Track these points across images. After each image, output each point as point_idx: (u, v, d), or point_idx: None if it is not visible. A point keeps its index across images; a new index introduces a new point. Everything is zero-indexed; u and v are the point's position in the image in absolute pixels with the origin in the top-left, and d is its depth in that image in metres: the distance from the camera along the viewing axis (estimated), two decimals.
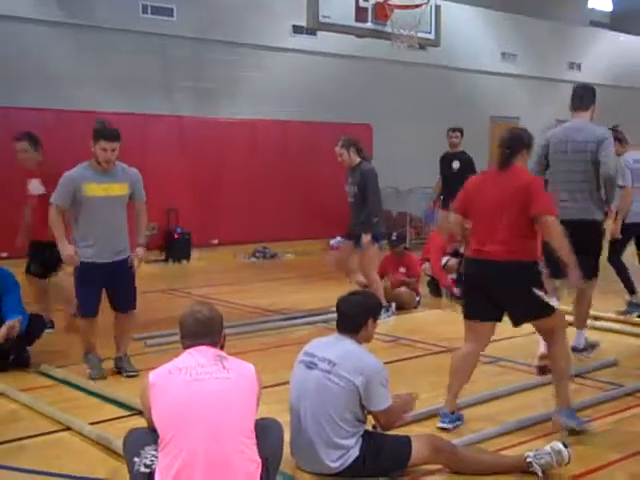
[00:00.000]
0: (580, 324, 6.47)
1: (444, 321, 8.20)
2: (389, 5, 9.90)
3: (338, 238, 14.34)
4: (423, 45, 11.13)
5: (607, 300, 8.14)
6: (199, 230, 12.67)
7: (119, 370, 5.96)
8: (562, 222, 4.71)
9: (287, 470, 3.98)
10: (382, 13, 9.96)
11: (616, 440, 4.62)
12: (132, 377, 5.80)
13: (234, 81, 13.44)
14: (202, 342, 3.61)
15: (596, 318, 7.46)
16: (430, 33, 10.76)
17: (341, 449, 3.88)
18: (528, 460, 4.00)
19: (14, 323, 5.80)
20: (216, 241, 13.10)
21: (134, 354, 6.46)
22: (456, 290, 9.00)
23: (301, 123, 13.98)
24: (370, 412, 4.00)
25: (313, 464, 3.96)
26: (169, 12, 12.65)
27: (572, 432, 4.60)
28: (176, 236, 12.49)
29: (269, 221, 13.50)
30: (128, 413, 4.96)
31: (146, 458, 3.47)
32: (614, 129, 8.08)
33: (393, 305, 8.35)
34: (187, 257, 12.59)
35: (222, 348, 3.70)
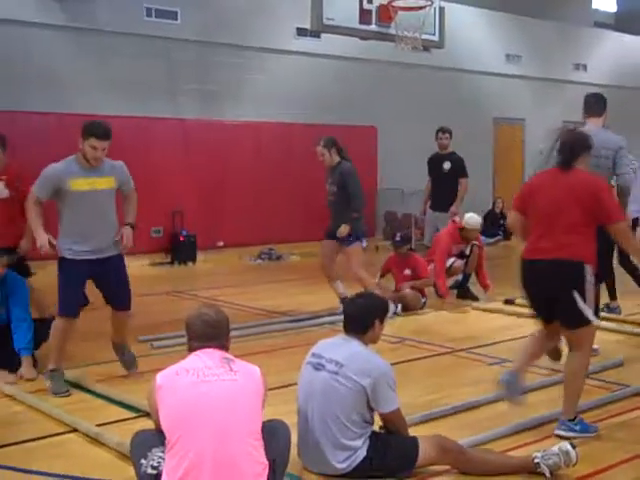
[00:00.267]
0: None
1: (450, 322, 8.21)
2: (393, 7, 9.91)
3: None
4: (427, 47, 11.13)
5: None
6: (204, 232, 12.68)
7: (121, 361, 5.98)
8: None
9: (294, 471, 3.97)
10: (386, 15, 9.97)
11: (623, 440, 4.61)
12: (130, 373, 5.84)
13: (238, 84, 13.45)
14: (210, 344, 3.61)
15: (603, 319, 7.45)
16: (434, 35, 10.77)
17: (348, 450, 3.88)
18: (536, 461, 4.00)
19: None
20: (221, 243, 13.11)
21: (140, 356, 6.47)
22: (448, 301, 8.97)
23: (305, 125, 13.99)
24: (378, 414, 4.00)
25: (320, 465, 3.95)
26: (173, 15, 12.67)
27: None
28: (181, 239, 12.51)
29: (274, 223, 13.51)
30: (135, 415, 4.96)
31: (153, 460, 3.48)
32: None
33: (399, 306, 8.34)
34: (193, 259, 12.61)
35: (227, 350, 3.71)
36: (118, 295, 5.75)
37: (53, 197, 5.46)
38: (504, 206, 16.41)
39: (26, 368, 5.82)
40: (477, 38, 16.67)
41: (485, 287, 9.17)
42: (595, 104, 6.42)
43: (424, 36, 10.27)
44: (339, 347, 4.09)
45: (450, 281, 9.15)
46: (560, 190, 4.67)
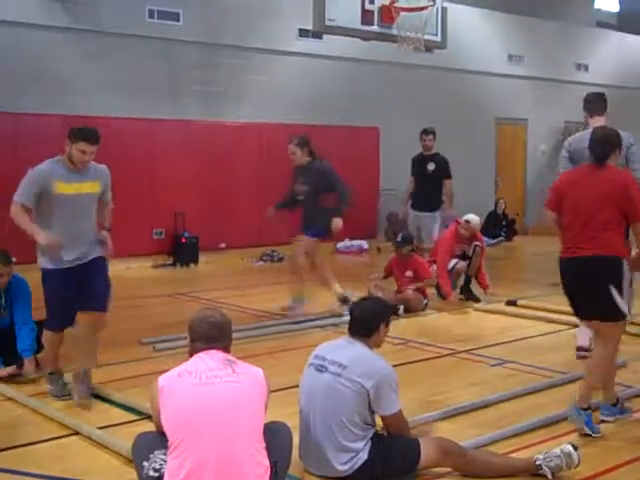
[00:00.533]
0: None
1: (452, 323, 8.21)
2: (395, 8, 9.90)
3: (346, 242, 14.39)
4: (429, 47, 11.11)
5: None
6: (207, 234, 12.68)
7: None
8: None
9: (296, 473, 3.97)
10: (388, 16, 9.96)
11: (626, 442, 4.60)
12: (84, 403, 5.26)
13: (240, 85, 13.45)
14: (213, 346, 3.62)
15: None
16: (436, 35, 10.75)
17: (350, 452, 3.88)
18: (538, 463, 4.00)
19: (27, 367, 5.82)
20: (224, 245, 13.11)
21: (143, 358, 6.49)
22: (455, 295, 8.99)
23: (308, 126, 13.92)
24: (380, 417, 3.99)
25: (322, 467, 3.95)
26: (175, 17, 12.68)
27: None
28: (184, 240, 12.50)
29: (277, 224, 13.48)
30: (137, 417, 4.96)
31: (155, 462, 3.48)
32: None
33: (401, 308, 8.34)
34: (195, 261, 12.60)
35: (229, 353, 3.71)
36: (96, 294, 5.36)
37: (37, 202, 5.20)
38: (506, 207, 16.42)
39: (27, 365, 5.82)
40: (479, 38, 16.66)
41: (484, 288, 9.17)
42: (597, 103, 6.49)
43: (426, 37, 10.25)
44: (342, 349, 4.09)
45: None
46: (597, 187, 4.76)
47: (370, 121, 14.63)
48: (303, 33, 13.53)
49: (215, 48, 13.07)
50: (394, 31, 10.06)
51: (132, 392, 5.41)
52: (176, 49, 12.66)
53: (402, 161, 14.74)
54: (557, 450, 4.02)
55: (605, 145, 4.88)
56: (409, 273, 8.67)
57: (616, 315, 4.73)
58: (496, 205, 16.38)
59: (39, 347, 6.06)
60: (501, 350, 6.83)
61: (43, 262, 5.29)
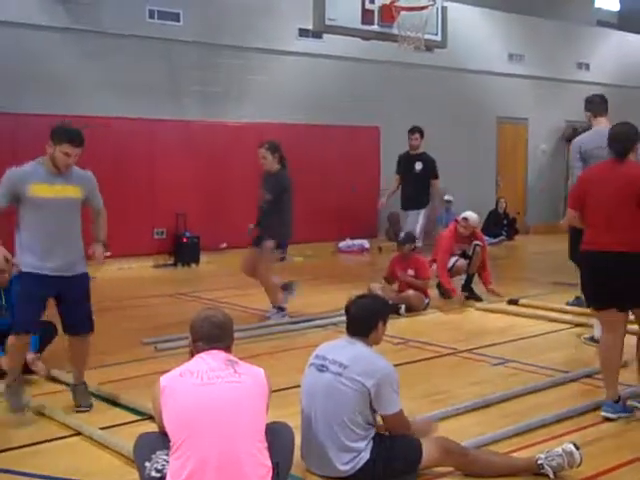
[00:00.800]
0: None
1: (453, 323, 8.21)
2: (395, 7, 9.90)
3: (348, 241, 14.40)
4: (430, 47, 11.11)
5: None
6: (208, 234, 12.68)
7: (74, 402, 5.29)
8: None
9: (298, 474, 3.97)
10: (388, 15, 9.96)
11: (628, 441, 4.61)
12: (83, 412, 5.17)
13: (241, 85, 13.45)
14: (216, 346, 3.62)
15: None
16: (437, 35, 10.75)
17: (352, 452, 3.88)
18: (539, 462, 3.99)
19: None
20: (225, 245, 13.10)
21: (144, 358, 6.49)
22: (459, 292, 9.00)
23: (308, 126, 13.98)
24: (380, 416, 3.99)
25: (324, 467, 3.95)
26: (175, 17, 12.67)
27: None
28: (185, 240, 12.51)
29: None
30: (139, 418, 4.96)
31: (157, 463, 3.48)
32: (575, 130, 8.34)
33: (403, 307, 8.34)
34: (196, 261, 12.60)
35: (230, 353, 3.71)
36: (80, 317, 5.19)
37: (13, 203, 4.99)
38: (507, 206, 16.41)
39: (30, 356, 5.78)
40: (480, 38, 16.65)
41: (486, 283, 9.14)
42: (601, 104, 6.71)
43: (427, 36, 10.25)
44: (343, 349, 4.08)
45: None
46: (618, 182, 4.85)
47: (371, 121, 14.62)
48: (303, 33, 13.53)
49: (215, 48, 13.07)
50: (394, 30, 10.06)
51: (134, 392, 5.40)
52: (176, 49, 12.66)
53: None
54: (559, 449, 4.02)
55: (626, 141, 4.97)
56: (411, 272, 8.67)
57: None
58: (497, 204, 16.39)
59: (42, 347, 6.08)
60: (503, 349, 6.83)
61: (22, 265, 5.03)
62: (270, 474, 3.40)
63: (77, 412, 5.15)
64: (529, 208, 18.04)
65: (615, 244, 4.82)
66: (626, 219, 4.81)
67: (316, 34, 12.20)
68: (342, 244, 14.39)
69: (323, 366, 4.03)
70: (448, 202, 15.38)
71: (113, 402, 5.34)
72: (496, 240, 15.05)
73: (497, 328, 7.76)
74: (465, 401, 5.21)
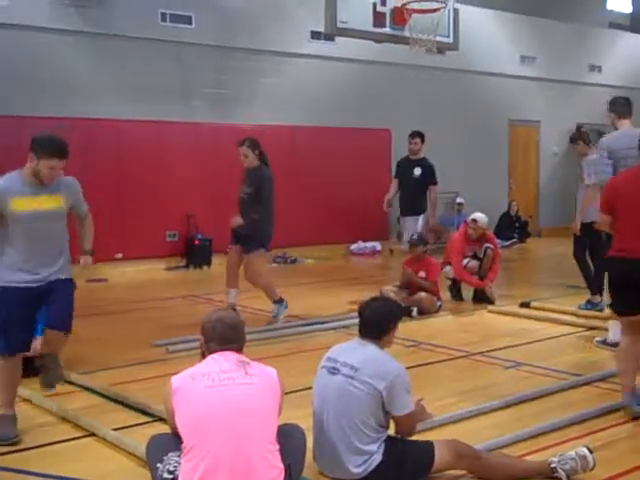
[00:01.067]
0: None
1: (465, 325, 8.19)
2: (407, 10, 9.89)
3: (359, 243, 14.40)
4: (441, 49, 11.10)
5: None
6: (219, 236, 12.67)
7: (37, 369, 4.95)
8: None
9: (310, 476, 3.97)
10: (400, 18, 9.95)
11: None
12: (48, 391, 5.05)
13: (252, 87, 13.47)
14: (228, 347, 3.61)
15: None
16: (448, 37, 10.73)
17: (364, 455, 3.87)
18: (552, 465, 3.97)
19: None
20: None
21: (156, 360, 6.50)
22: (489, 283, 8.99)
23: (320, 128, 14.00)
24: (392, 417, 3.98)
25: (336, 470, 3.95)
26: (187, 20, 12.71)
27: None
28: (196, 242, 12.54)
29: (289, 227, 13.47)
30: (151, 419, 4.97)
31: (169, 464, 3.48)
32: (579, 129, 8.44)
33: (415, 309, 8.33)
34: (208, 263, 12.62)
35: (242, 354, 3.71)
36: (58, 311, 4.82)
37: None
38: (519, 209, 16.38)
39: (36, 344, 5.67)
40: (491, 40, 16.63)
41: (487, 280, 9.08)
42: (625, 105, 6.76)
43: (438, 38, 10.24)
44: (354, 351, 4.08)
45: None
46: None
47: (382, 123, 14.62)
48: (315, 35, 13.54)
49: (227, 51, 13.10)
50: (406, 33, 10.05)
51: (146, 394, 5.41)
52: (188, 52, 12.70)
53: None
54: (572, 453, 4.00)
55: None
56: (422, 274, 8.66)
57: None
58: (509, 207, 16.36)
59: None
60: (515, 352, 6.81)
61: (3, 279, 4.73)
62: (282, 476, 3.40)
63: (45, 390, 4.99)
64: (541, 211, 17.99)
65: None
66: None
67: (328, 37, 12.22)
68: (354, 246, 14.39)
69: (334, 369, 4.02)
70: (460, 205, 15.36)
71: (125, 403, 5.35)
72: (508, 243, 15.03)
73: (509, 331, 7.73)
74: (477, 404, 5.19)
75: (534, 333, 7.61)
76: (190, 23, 12.74)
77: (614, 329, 6.42)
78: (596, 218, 7.99)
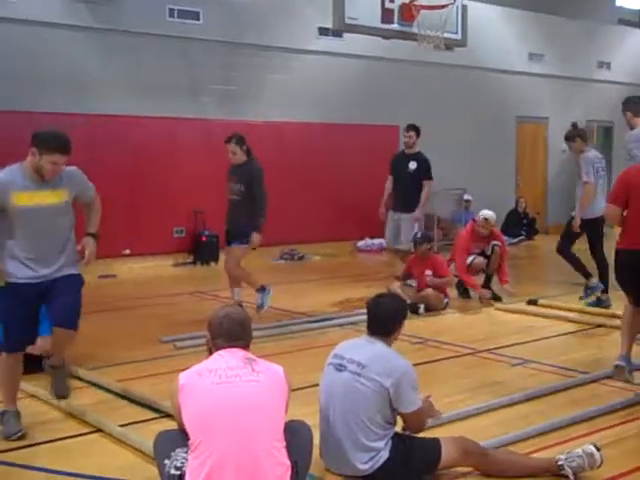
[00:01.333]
0: None
1: (472, 322, 8.18)
2: (415, 6, 9.89)
3: (367, 240, 14.38)
4: (450, 46, 11.10)
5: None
6: None
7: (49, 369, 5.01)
8: None
9: (316, 472, 3.97)
10: (408, 14, 9.95)
11: None
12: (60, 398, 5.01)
13: (260, 83, 13.46)
14: (236, 344, 3.61)
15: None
16: (457, 33, 10.73)
17: (371, 451, 3.87)
18: (559, 463, 3.97)
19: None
20: None
21: (164, 356, 6.52)
22: (484, 291, 8.98)
23: (328, 125, 13.99)
24: (400, 414, 3.98)
25: (342, 466, 3.95)
26: (195, 16, 12.71)
27: None
28: (203, 239, 12.54)
29: (296, 223, 13.51)
30: (158, 415, 4.98)
31: (176, 460, 3.48)
32: (575, 126, 8.45)
33: (422, 306, 8.33)
34: (215, 259, 12.62)
35: (248, 350, 3.71)
36: (64, 308, 4.73)
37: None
38: (527, 206, 16.34)
39: (40, 341, 5.71)
40: (500, 37, 16.58)
41: (502, 282, 9.12)
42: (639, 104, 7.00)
43: (446, 35, 10.24)
44: (361, 348, 4.08)
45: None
46: None
47: (390, 119, 14.59)
48: (323, 32, 13.52)
49: (235, 47, 13.09)
50: (414, 29, 10.05)
51: (153, 390, 5.42)
52: (196, 48, 12.69)
53: None
54: (579, 450, 4.00)
55: None
56: (428, 272, 8.64)
57: None
58: (517, 204, 16.32)
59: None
60: (522, 350, 6.80)
61: (6, 275, 4.66)
62: (289, 473, 3.40)
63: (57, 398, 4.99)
64: (549, 208, 17.94)
65: None
66: None
67: (336, 33, 12.23)
68: (361, 243, 14.38)
69: (341, 365, 4.02)
70: (467, 201, 15.34)
71: (132, 399, 5.36)
72: (516, 240, 15.00)
73: (516, 328, 7.72)
74: (484, 401, 5.19)
75: (541, 330, 7.60)
76: (198, 19, 12.73)
77: None
78: (596, 214, 8.06)
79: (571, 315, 8.10)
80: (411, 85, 14.97)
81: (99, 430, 4.76)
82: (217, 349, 3.64)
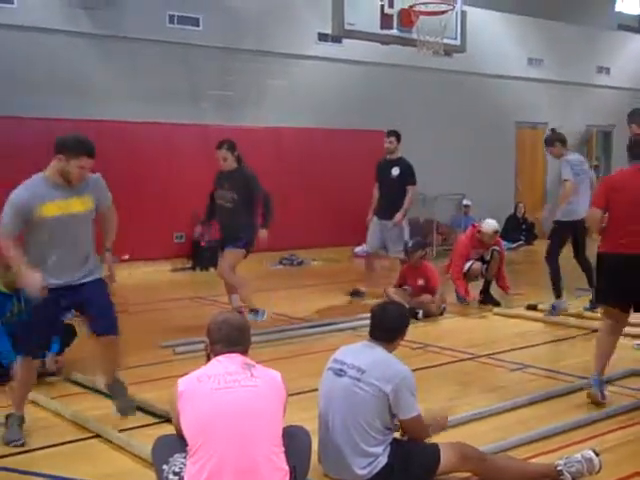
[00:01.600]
0: None
1: (471, 328, 8.18)
2: (415, 12, 9.90)
3: (364, 246, 14.37)
4: (449, 51, 11.09)
5: None
6: None
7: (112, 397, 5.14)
8: None
9: (315, 478, 3.97)
10: (407, 20, 9.95)
11: None
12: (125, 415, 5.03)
13: (260, 89, 13.48)
14: (234, 349, 3.62)
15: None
16: (456, 39, 10.73)
17: (369, 457, 3.87)
18: (558, 468, 3.97)
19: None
20: None
21: (163, 362, 6.52)
22: (471, 295, 8.97)
23: (327, 130, 14.00)
24: (399, 421, 3.98)
25: (341, 471, 3.95)
26: (195, 22, 12.73)
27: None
28: (203, 244, 12.54)
29: (296, 228, 13.51)
30: (157, 420, 4.98)
31: (175, 465, 3.48)
32: (554, 131, 8.51)
33: (420, 312, 8.32)
34: (214, 265, 12.56)
35: (247, 356, 3.72)
36: (101, 319, 4.87)
37: (23, 228, 4.61)
38: (526, 210, 16.35)
39: (49, 362, 5.84)
40: (499, 42, 16.60)
41: (505, 289, 9.15)
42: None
43: (446, 40, 10.23)
44: (361, 353, 4.08)
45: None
46: None
47: (389, 125, 14.51)
48: (322, 37, 13.55)
49: (234, 53, 13.12)
50: (413, 35, 10.05)
51: (152, 395, 5.42)
52: (196, 54, 12.72)
53: (421, 165, 14.75)
54: (578, 455, 4.00)
55: None
56: (421, 281, 8.58)
57: None
58: (516, 209, 16.33)
59: (62, 349, 6.12)
60: (521, 355, 6.80)
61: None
62: (287, 478, 3.40)
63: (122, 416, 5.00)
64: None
65: (637, 245, 5.06)
66: None
67: (335, 39, 12.24)
68: (358, 249, 14.33)
69: (341, 370, 4.02)
70: (466, 206, 15.36)
71: None
72: (515, 245, 15.00)
73: (515, 333, 7.73)
74: (483, 406, 5.19)
75: (540, 336, 7.61)
76: (198, 25, 12.76)
77: None
78: (575, 217, 8.07)
79: (570, 320, 8.10)
80: (410, 91, 14.99)
81: (98, 436, 4.76)
82: (216, 354, 3.64)
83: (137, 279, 11.44)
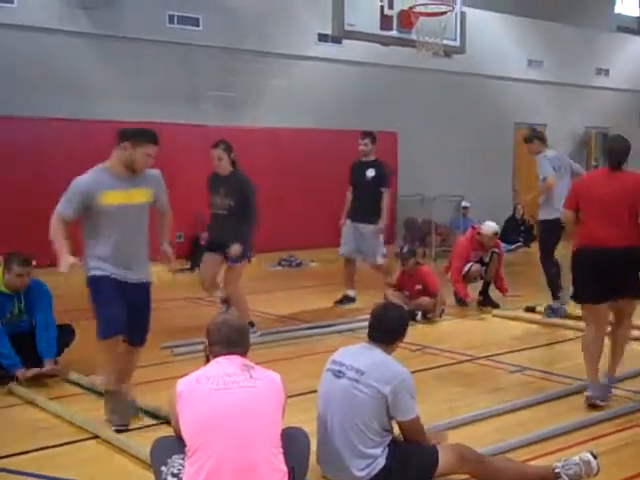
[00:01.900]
0: None
1: (470, 329, 8.18)
2: (414, 13, 9.90)
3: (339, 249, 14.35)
4: (448, 52, 11.10)
5: None
6: None
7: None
8: None
9: (313, 479, 3.97)
10: (407, 21, 9.96)
11: None
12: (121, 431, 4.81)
13: (260, 90, 13.49)
14: (233, 350, 3.62)
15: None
16: (455, 40, 10.74)
17: (368, 458, 3.87)
18: (556, 470, 3.97)
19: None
20: None
21: (161, 363, 6.51)
22: (474, 296, 8.97)
23: (326, 131, 14.00)
24: (397, 423, 3.98)
25: (339, 473, 3.95)
26: (195, 22, 12.74)
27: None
28: (203, 243, 12.52)
29: (294, 229, 13.52)
30: (155, 422, 4.98)
31: (173, 467, 3.49)
32: (533, 129, 8.63)
33: (419, 313, 8.31)
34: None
35: (246, 357, 3.72)
36: (139, 329, 5.09)
37: (81, 215, 4.80)
38: (524, 212, 16.34)
39: (48, 365, 5.85)
40: (498, 43, 16.62)
41: (503, 291, 9.15)
42: None
43: (445, 41, 10.24)
44: (360, 355, 4.08)
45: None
46: (612, 187, 5.27)
47: (388, 126, 14.62)
48: (322, 38, 13.56)
49: (234, 53, 13.12)
50: (413, 36, 10.06)
51: (151, 396, 5.41)
52: (195, 54, 12.72)
53: (420, 166, 14.80)
54: (576, 458, 3.99)
55: (622, 153, 5.42)
56: (419, 287, 8.54)
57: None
58: (514, 210, 16.32)
59: (59, 351, 6.12)
60: (520, 357, 6.80)
61: (91, 269, 4.84)
62: (286, 479, 3.40)
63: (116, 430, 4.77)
64: None
65: (612, 239, 5.19)
66: (622, 218, 5.20)
67: (335, 39, 12.25)
68: None
69: (340, 372, 4.02)
70: (465, 208, 15.36)
71: None
72: (513, 247, 14.99)
73: (514, 335, 7.73)
74: (482, 408, 5.19)
75: (539, 338, 7.61)
76: (198, 25, 12.77)
77: None
78: (553, 215, 8.10)
79: (569, 322, 8.09)
80: (409, 92, 15.00)
81: (96, 437, 4.75)
82: (215, 356, 3.64)
83: None
